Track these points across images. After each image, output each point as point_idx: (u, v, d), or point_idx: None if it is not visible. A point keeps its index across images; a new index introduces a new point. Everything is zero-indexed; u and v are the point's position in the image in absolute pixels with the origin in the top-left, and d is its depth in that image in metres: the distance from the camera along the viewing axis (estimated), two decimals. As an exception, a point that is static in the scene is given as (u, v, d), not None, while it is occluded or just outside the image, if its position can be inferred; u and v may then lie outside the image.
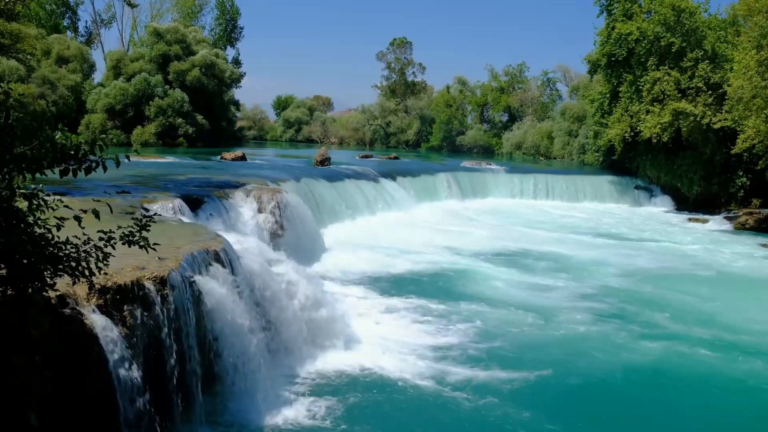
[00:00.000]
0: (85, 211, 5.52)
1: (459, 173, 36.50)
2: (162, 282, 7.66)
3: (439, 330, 12.66)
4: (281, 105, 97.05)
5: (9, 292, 5.30)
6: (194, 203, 15.56)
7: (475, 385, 10.07)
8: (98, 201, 5.98)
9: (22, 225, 5.15)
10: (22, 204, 5.16)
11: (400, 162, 43.29)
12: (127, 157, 5.85)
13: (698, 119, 31.89)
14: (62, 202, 5.41)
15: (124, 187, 16.03)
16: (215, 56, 55.41)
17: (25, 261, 5.24)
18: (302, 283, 11.24)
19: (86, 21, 74.76)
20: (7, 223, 5.07)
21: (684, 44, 33.51)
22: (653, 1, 34.94)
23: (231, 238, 10.78)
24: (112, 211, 6.39)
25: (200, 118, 52.21)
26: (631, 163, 38.78)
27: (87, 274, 5.66)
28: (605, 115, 38.86)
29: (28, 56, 42.17)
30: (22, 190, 5.12)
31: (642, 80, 34.31)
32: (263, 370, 9.27)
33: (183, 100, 51.09)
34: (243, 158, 33.66)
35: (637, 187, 37.66)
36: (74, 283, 5.87)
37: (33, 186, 5.22)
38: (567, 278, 17.69)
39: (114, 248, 5.82)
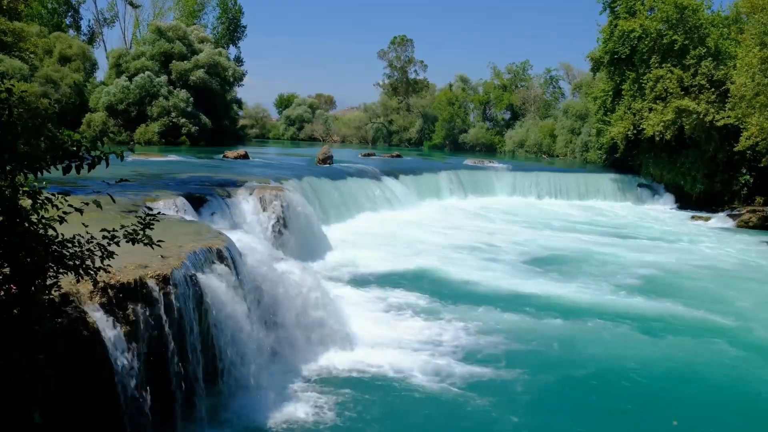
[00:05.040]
0: (87, 204, 5.52)
1: (461, 171, 36.50)
2: (165, 280, 7.67)
3: (443, 329, 12.63)
4: (283, 103, 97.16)
5: (13, 290, 5.30)
6: (197, 202, 15.57)
7: (478, 385, 10.05)
8: (98, 193, 5.98)
9: (25, 223, 5.15)
10: (26, 202, 5.16)
11: (403, 160, 43.31)
12: (131, 150, 5.84)
13: (701, 117, 31.84)
14: (66, 200, 5.40)
15: (125, 184, 16.01)
16: (218, 55, 55.44)
17: (28, 259, 5.24)
18: (305, 281, 11.22)
19: (89, 20, 74.58)
20: (11, 221, 5.06)
21: (687, 42, 33.45)
22: (656, -2, 34.89)
23: (234, 236, 10.78)
24: (114, 201, 6.39)
25: (203, 117, 52.26)
26: (634, 161, 38.77)
27: (91, 272, 5.65)
28: (608, 113, 38.83)
29: (31, 55, 42.20)
30: (25, 188, 5.12)
31: (645, 78, 34.26)
32: (266, 368, 9.28)
33: (187, 100, 51.15)
34: (245, 157, 33.71)
35: (640, 185, 37.63)
36: (78, 281, 5.87)
37: (36, 184, 5.21)
38: (572, 277, 17.66)
39: (118, 245, 5.82)
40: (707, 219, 31.24)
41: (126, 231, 5.87)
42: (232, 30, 73.36)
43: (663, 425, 9.23)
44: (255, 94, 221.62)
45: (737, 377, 11.02)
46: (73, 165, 5.29)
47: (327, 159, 32.54)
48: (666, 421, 9.31)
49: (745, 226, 29.52)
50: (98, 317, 6.61)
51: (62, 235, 5.49)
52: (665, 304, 15.21)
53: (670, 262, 20.26)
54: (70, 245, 5.51)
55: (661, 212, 34.31)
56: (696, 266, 19.97)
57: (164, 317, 7.51)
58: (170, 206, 13.95)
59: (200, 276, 8.50)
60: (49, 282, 5.48)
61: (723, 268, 20.11)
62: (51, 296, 5.89)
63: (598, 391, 10.23)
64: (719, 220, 30.76)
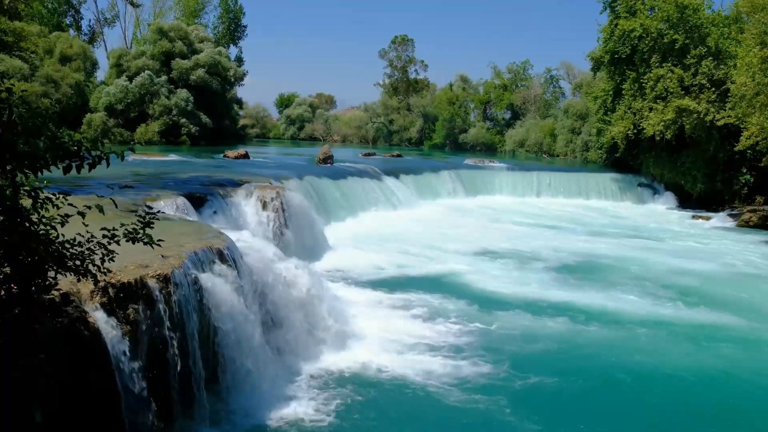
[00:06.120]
0: (89, 207, 5.52)
1: (462, 171, 36.54)
2: (165, 280, 7.67)
3: (444, 329, 12.59)
4: (284, 103, 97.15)
5: (13, 290, 5.30)
6: (197, 201, 15.57)
7: (479, 385, 10.01)
8: (102, 198, 5.98)
9: (26, 223, 5.15)
10: (26, 202, 5.16)
11: (403, 160, 43.33)
12: (132, 150, 5.84)
13: (701, 116, 31.81)
14: (66, 199, 5.40)
15: (128, 184, 16.02)
16: (218, 54, 55.46)
17: (28, 259, 5.24)
18: (305, 280, 11.23)
19: (89, 19, 74.80)
20: (11, 221, 5.06)
21: (687, 41, 33.42)
22: (656, -3, 34.87)
23: (234, 236, 10.78)
24: (117, 206, 6.39)
25: (203, 117, 52.30)
26: (635, 161, 38.73)
27: (92, 272, 5.65)
28: (608, 113, 38.83)
29: (32, 54, 42.23)
30: (25, 188, 5.12)
31: (645, 77, 34.23)
32: (266, 367, 9.27)
33: (187, 100, 51.18)
34: (246, 156, 33.75)
35: (640, 185, 37.60)
36: (78, 281, 5.87)
37: (36, 183, 5.21)
38: (576, 277, 17.55)
39: (119, 244, 5.82)
40: (708, 218, 31.20)
41: (126, 230, 5.87)
42: (233, 30, 73.37)
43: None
44: (255, 93, 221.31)
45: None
46: (74, 165, 5.29)
47: (327, 158, 32.57)
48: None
49: (745, 225, 29.49)
50: (99, 317, 6.61)
51: (63, 235, 5.49)
52: (703, 311, 14.69)
53: (699, 268, 19.56)
54: (70, 245, 5.51)
55: (662, 212, 34.26)
56: (723, 271, 19.48)
57: (165, 317, 7.52)
58: (171, 206, 13.95)
59: (201, 276, 8.50)
60: (49, 282, 5.48)
61: (751, 273, 19.56)
62: (51, 296, 5.89)
63: (639, 400, 10.03)
64: (720, 220, 30.73)
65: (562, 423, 9.13)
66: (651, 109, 33.91)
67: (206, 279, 8.56)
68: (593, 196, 36.78)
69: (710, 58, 32.94)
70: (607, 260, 20.03)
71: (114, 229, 5.82)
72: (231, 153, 34.40)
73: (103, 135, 46.26)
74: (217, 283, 8.71)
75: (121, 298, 7.03)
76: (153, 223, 5.99)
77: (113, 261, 5.87)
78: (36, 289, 5.40)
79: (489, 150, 69.01)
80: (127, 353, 6.80)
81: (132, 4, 68.39)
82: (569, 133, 56.38)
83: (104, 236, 5.78)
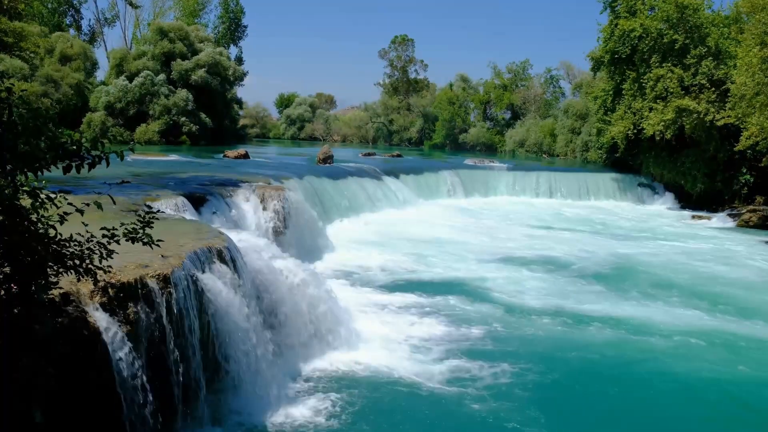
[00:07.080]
0: (87, 204, 5.52)
1: (462, 171, 36.56)
2: (165, 280, 7.66)
3: (445, 330, 12.54)
4: (284, 103, 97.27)
5: (13, 289, 5.30)
6: (197, 201, 15.56)
7: (481, 385, 9.98)
8: (99, 194, 5.98)
9: (26, 222, 5.15)
10: (26, 201, 5.16)
11: (403, 160, 43.36)
12: (132, 150, 5.82)
13: (701, 116, 31.81)
14: (66, 199, 5.39)
15: (126, 184, 16.03)
16: (219, 54, 55.49)
17: (28, 259, 5.24)
18: (305, 280, 11.21)
19: (90, 19, 74.95)
20: (11, 220, 5.06)
21: (687, 41, 33.43)
22: (656, -3, 34.87)
23: (234, 235, 10.78)
24: (114, 203, 6.39)
25: (203, 117, 52.31)
26: (635, 161, 38.75)
27: (91, 271, 5.65)
28: (608, 113, 38.86)
29: (32, 54, 42.27)
30: (25, 188, 5.12)
31: (645, 77, 34.24)
32: (267, 368, 9.26)
33: (188, 99, 51.19)
34: (246, 156, 33.78)
35: (640, 185, 37.60)
36: (78, 280, 5.86)
37: (36, 183, 5.21)
38: (575, 278, 17.49)
39: (119, 243, 5.81)
40: (708, 218, 31.21)
41: (126, 230, 5.86)
42: (233, 29, 73.48)
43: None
44: (255, 93, 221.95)
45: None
46: (74, 165, 5.28)
47: (327, 158, 32.61)
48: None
49: (745, 225, 29.48)
50: (99, 317, 6.60)
51: (60, 234, 5.49)
52: (737, 318, 14.16)
53: (722, 272, 19.03)
54: (70, 244, 5.51)
55: (663, 212, 34.22)
56: (745, 275, 18.93)
57: (165, 317, 7.51)
58: (171, 206, 13.95)
59: (201, 276, 8.49)
60: (49, 281, 5.48)
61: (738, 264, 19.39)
62: (51, 296, 5.89)
63: (680, 408, 9.85)
64: (720, 220, 30.74)
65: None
66: (651, 109, 33.91)
67: (206, 279, 8.55)
68: (593, 196, 36.77)
69: (710, 58, 32.94)
70: (626, 263, 19.63)
71: (114, 228, 5.82)
72: (231, 153, 34.46)
73: (103, 135, 46.29)
74: (217, 283, 8.70)
75: (121, 298, 7.02)
76: (153, 222, 5.99)
77: (111, 258, 5.85)
78: (36, 288, 5.39)
79: (489, 150, 69.11)
80: (127, 353, 6.80)
81: (131, 5, 68.47)
82: (569, 133, 56.42)
83: (104, 236, 5.77)
